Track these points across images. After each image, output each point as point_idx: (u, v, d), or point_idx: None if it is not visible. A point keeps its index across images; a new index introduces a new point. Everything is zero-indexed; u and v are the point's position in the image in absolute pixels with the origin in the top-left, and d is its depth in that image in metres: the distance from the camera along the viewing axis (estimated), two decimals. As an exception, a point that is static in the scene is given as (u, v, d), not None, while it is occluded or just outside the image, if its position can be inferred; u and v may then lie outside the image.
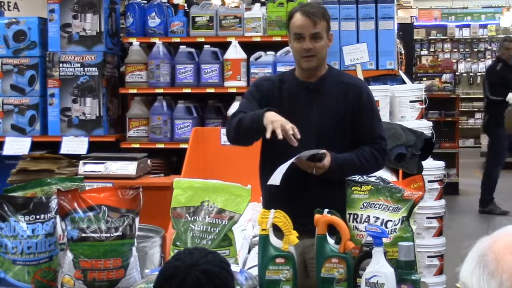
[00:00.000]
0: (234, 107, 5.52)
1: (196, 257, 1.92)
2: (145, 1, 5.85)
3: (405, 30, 10.08)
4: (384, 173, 3.90)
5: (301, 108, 3.18)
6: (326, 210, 2.74)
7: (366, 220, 2.77)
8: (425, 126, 5.19)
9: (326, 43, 3.19)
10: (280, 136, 2.91)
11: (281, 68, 5.43)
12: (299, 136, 2.94)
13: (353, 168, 3.03)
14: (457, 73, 16.36)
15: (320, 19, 3.13)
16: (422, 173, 4.26)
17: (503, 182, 8.38)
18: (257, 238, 3.20)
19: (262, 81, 3.37)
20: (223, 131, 4.85)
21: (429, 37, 18.10)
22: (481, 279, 1.34)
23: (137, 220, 2.64)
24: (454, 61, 16.92)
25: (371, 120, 3.25)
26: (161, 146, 5.61)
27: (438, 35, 18.12)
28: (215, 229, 2.71)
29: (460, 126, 12.32)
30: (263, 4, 5.75)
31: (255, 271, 2.77)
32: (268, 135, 2.94)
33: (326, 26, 3.17)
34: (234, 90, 5.53)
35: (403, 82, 5.66)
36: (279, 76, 3.39)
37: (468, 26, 17.94)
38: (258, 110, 3.10)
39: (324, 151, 3.05)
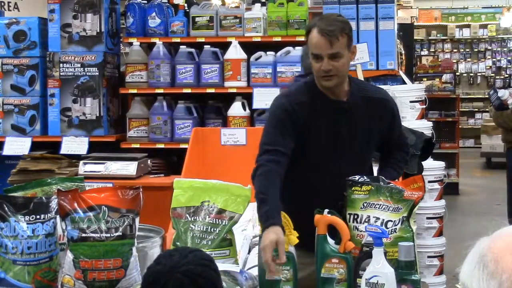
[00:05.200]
0: (234, 107, 5.53)
1: (176, 259, 1.90)
2: (146, 1, 5.85)
3: (406, 30, 10.08)
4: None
5: (336, 128, 3.02)
6: (326, 210, 2.74)
7: (366, 220, 2.77)
8: (425, 126, 5.19)
9: (347, 59, 2.95)
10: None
11: (281, 68, 5.45)
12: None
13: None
14: (457, 73, 16.36)
15: (338, 37, 2.88)
16: (422, 173, 4.26)
17: (503, 183, 8.36)
18: (257, 238, 3.20)
19: (293, 105, 2.99)
20: (223, 131, 4.85)
21: (429, 37, 18.10)
22: (480, 280, 1.34)
23: (137, 220, 2.64)
24: (454, 61, 16.92)
25: (400, 130, 3.27)
26: (161, 146, 5.61)
27: (438, 35, 18.12)
28: (215, 229, 2.72)
29: (460, 126, 12.33)
30: (263, 4, 5.76)
31: (255, 271, 2.77)
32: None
33: (346, 42, 2.91)
34: (234, 90, 5.53)
35: (403, 82, 5.66)
36: (308, 96, 3.03)
37: (468, 26, 17.94)
38: (271, 212, 2.70)
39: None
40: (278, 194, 2.77)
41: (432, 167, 5.38)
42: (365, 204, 2.80)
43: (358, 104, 3.05)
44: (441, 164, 5.62)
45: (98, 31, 5.61)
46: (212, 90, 5.59)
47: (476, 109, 17.45)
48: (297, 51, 5.47)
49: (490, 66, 18.02)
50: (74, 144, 5.49)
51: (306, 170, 3.00)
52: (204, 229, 2.71)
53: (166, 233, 3.02)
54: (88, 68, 5.55)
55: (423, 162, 4.52)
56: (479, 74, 18.05)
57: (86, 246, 2.53)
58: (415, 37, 13.41)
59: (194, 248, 2.09)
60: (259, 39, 5.58)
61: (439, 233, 5.45)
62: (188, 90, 5.62)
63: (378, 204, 2.78)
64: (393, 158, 3.23)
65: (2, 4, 7.78)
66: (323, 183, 2.99)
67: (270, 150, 2.88)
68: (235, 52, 5.55)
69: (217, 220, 2.73)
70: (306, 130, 2.97)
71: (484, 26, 17.87)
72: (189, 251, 1.97)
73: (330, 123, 3.01)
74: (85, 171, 4.99)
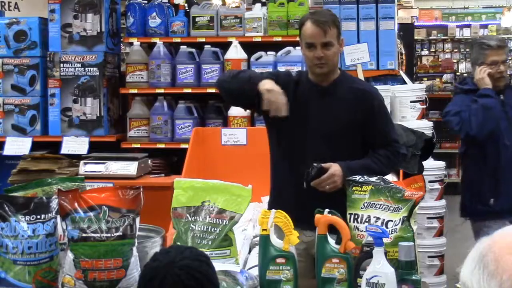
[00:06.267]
0: (235, 107, 5.53)
1: (173, 255, 1.92)
2: (146, 1, 5.85)
3: (406, 30, 10.08)
4: (385, 173, 3.89)
5: (311, 111, 3.25)
6: (326, 210, 2.74)
7: (367, 220, 2.77)
8: (425, 126, 5.20)
9: (337, 49, 3.26)
10: (268, 110, 3.12)
11: (281, 68, 5.43)
12: (284, 114, 3.10)
13: (369, 173, 3.07)
14: (457, 73, 16.35)
15: (330, 27, 3.19)
16: (423, 173, 4.26)
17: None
18: (257, 238, 3.21)
19: (283, 75, 3.39)
20: (224, 131, 4.86)
21: (430, 37, 18.08)
22: (481, 280, 1.34)
23: (137, 220, 2.64)
24: (454, 61, 16.91)
25: (384, 126, 3.32)
26: (162, 146, 5.61)
27: (438, 35, 18.11)
28: (215, 229, 2.72)
29: (460, 126, 12.29)
30: (263, 4, 5.75)
31: (255, 271, 2.78)
32: (264, 107, 3.12)
33: (336, 33, 3.24)
34: (235, 90, 5.52)
35: (404, 82, 5.66)
36: (297, 76, 3.41)
37: (468, 26, 17.94)
38: (254, 74, 3.27)
39: (327, 165, 3.10)
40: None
41: (433, 167, 5.38)
42: (365, 204, 2.80)
43: (338, 92, 3.27)
44: (442, 164, 5.63)
45: (99, 31, 5.61)
46: (212, 90, 5.58)
47: (477, 109, 17.44)
48: (298, 51, 5.47)
49: (491, 66, 18.00)
50: (75, 144, 5.49)
51: (285, 144, 3.29)
52: (205, 229, 2.72)
53: (167, 233, 3.02)
54: (89, 68, 5.55)
55: (423, 162, 4.52)
56: (480, 74, 18.03)
57: (87, 246, 2.54)
58: (415, 37, 13.40)
59: (189, 246, 2.10)
60: (259, 39, 5.58)
61: (440, 233, 5.45)
62: (189, 90, 5.62)
63: (378, 204, 2.78)
64: (375, 152, 3.27)
65: (3, 4, 7.78)
66: (304, 159, 3.17)
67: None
68: (235, 52, 5.54)
69: (217, 220, 2.73)
70: None
71: (484, 26, 17.88)
72: (185, 248, 1.99)
73: (305, 105, 3.25)
74: (85, 171, 4.98)
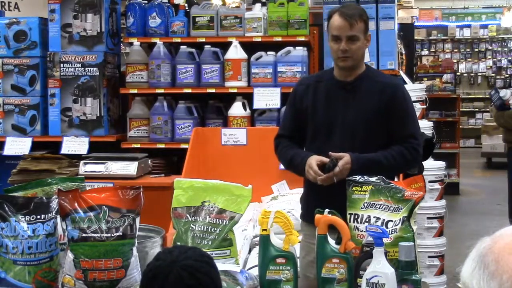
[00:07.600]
0: (235, 107, 5.53)
1: (176, 255, 1.93)
2: (146, 1, 5.84)
3: (406, 30, 10.07)
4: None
5: (337, 107, 3.25)
6: (326, 210, 2.74)
7: (367, 220, 2.77)
8: (425, 126, 5.20)
9: (363, 44, 3.25)
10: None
11: (281, 68, 5.44)
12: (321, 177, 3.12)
13: (379, 167, 3.09)
14: (457, 73, 16.37)
15: (357, 21, 3.18)
16: (423, 173, 4.26)
17: (504, 183, 8.37)
18: (257, 238, 3.21)
19: (298, 86, 3.44)
20: (224, 131, 4.86)
21: (430, 37, 18.11)
22: (481, 280, 1.34)
23: (137, 220, 2.64)
24: (454, 61, 16.94)
25: (404, 119, 3.29)
26: (162, 146, 5.61)
27: (438, 35, 18.12)
28: (215, 229, 2.72)
29: (460, 126, 12.32)
30: (263, 4, 5.75)
31: (255, 271, 2.78)
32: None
33: (363, 28, 3.23)
34: (235, 90, 5.53)
35: (404, 82, 5.65)
36: (317, 77, 3.44)
37: (468, 26, 17.95)
38: (302, 154, 3.25)
39: (338, 155, 3.11)
40: (298, 150, 3.31)
41: (433, 167, 5.38)
42: (365, 204, 2.80)
43: (363, 86, 3.25)
44: (442, 164, 5.63)
45: (99, 31, 5.61)
46: (212, 90, 5.59)
47: (477, 109, 17.47)
48: (297, 51, 5.47)
49: (491, 66, 18.03)
50: (75, 144, 5.49)
51: (314, 148, 3.27)
52: (205, 229, 2.72)
53: (167, 233, 3.02)
54: (89, 68, 5.55)
55: (423, 162, 4.51)
56: (480, 74, 18.06)
57: (87, 246, 2.54)
58: (415, 37, 13.41)
59: (193, 246, 2.10)
60: (259, 39, 5.58)
61: (440, 233, 5.46)
62: (189, 90, 5.62)
63: (378, 204, 2.78)
64: (389, 148, 3.23)
65: (3, 4, 7.78)
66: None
67: (280, 135, 3.41)
68: (235, 52, 5.54)
69: (217, 220, 2.73)
70: (305, 108, 3.30)
71: (484, 26, 17.88)
72: (188, 248, 2.00)
73: (330, 101, 3.25)
74: (85, 171, 4.98)
